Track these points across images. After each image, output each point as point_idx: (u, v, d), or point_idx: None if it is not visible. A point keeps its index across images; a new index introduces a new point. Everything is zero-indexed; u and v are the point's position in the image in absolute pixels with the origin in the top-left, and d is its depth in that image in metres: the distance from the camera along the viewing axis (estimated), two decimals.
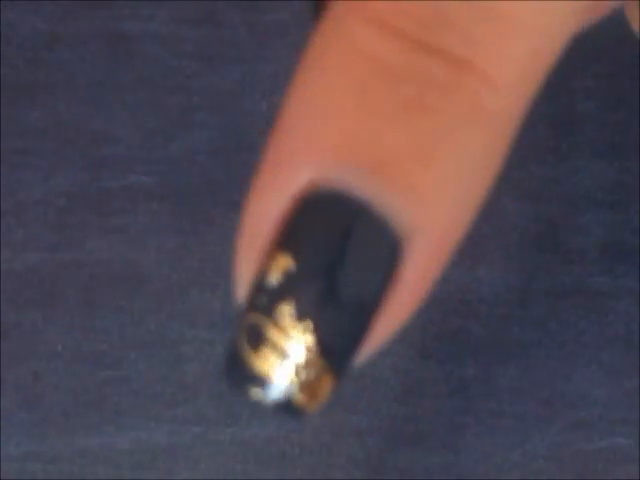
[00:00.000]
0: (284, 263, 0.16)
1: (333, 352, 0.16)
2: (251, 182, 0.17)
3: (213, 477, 0.28)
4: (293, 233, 0.16)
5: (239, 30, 0.30)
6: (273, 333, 0.16)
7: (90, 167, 0.29)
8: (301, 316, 0.16)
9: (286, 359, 0.16)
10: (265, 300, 0.16)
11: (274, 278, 0.16)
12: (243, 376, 0.16)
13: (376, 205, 0.16)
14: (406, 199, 0.16)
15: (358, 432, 0.28)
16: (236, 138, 0.29)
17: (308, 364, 0.16)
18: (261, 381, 0.16)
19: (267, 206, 0.16)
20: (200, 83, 0.29)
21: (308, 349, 0.16)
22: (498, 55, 0.16)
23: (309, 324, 0.16)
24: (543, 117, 0.30)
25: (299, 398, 0.16)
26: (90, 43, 0.30)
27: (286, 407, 0.16)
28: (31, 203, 0.29)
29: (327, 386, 0.17)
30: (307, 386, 0.16)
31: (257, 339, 0.16)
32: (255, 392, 0.16)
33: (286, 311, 0.16)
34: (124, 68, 0.30)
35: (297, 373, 0.16)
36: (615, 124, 0.29)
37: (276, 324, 0.16)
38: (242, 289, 0.17)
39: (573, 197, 0.29)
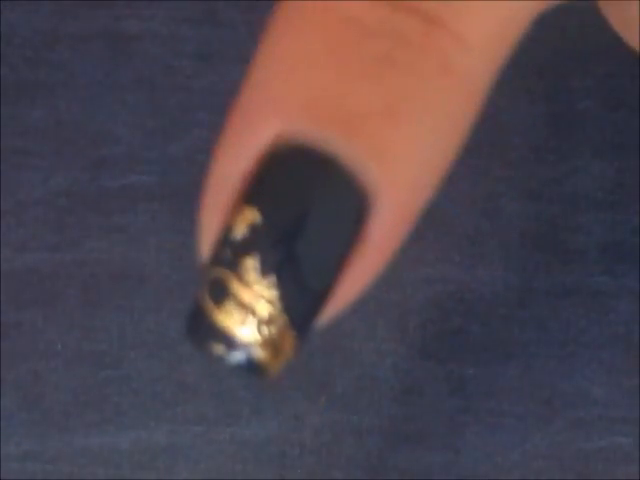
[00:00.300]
0: (250, 216, 0.16)
1: (296, 309, 0.16)
2: (218, 137, 0.17)
3: (213, 477, 0.28)
4: (259, 187, 0.16)
5: (239, 30, 0.30)
6: (237, 288, 0.16)
7: (90, 167, 0.29)
8: (265, 271, 0.16)
9: (249, 314, 0.16)
10: (230, 254, 0.16)
11: (239, 232, 0.16)
12: (206, 332, 0.16)
13: (342, 161, 0.16)
14: (372, 156, 0.16)
15: (358, 432, 0.28)
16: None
17: (271, 320, 0.16)
18: (224, 337, 0.16)
19: (233, 161, 0.16)
20: (200, 83, 0.29)
21: (271, 304, 0.16)
22: (470, 16, 0.16)
23: (273, 279, 0.16)
24: (543, 117, 0.30)
25: (261, 355, 0.16)
26: (90, 43, 0.30)
27: (248, 365, 0.16)
28: (31, 203, 0.29)
29: (290, 345, 0.16)
30: (270, 343, 0.16)
31: (220, 294, 0.16)
32: (217, 348, 0.16)
33: (250, 265, 0.16)
34: (124, 68, 0.30)
35: (260, 329, 0.16)
36: (615, 124, 0.29)
37: (240, 278, 0.16)
38: (206, 244, 0.17)
39: (573, 197, 0.29)
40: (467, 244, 0.29)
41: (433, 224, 0.29)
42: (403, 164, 0.16)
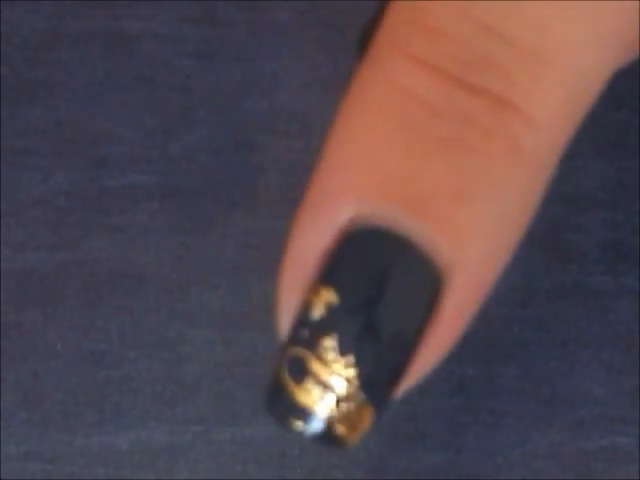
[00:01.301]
0: (327, 297, 0.16)
1: (373, 386, 0.16)
2: (293, 220, 0.17)
3: (213, 477, 0.28)
4: (336, 268, 0.16)
5: (239, 29, 0.30)
6: (316, 366, 0.16)
7: (90, 166, 0.29)
8: (343, 350, 0.16)
9: (328, 392, 0.16)
10: (308, 334, 0.16)
11: (317, 312, 0.16)
12: (286, 408, 0.17)
13: (416, 241, 0.16)
14: (444, 235, 0.16)
15: None
16: (236, 137, 0.29)
17: (349, 397, 0.16)
18: (303, 413, 0.16)
19: (310, 241, 0.17)
20: (200, 82, 0.29)
21: (349, 382, 0.16)
22: (537, 95, 0.16)
23: (351, 358, 0.16)
24: None
25: (339, 429, 0.17)
26: (90, 42, 0.30)
27: (327, 438, 0.17)
28: (31, 203, 0.29)
29: (367, 418, 0.17)
30: (347, 418, 0.17)
31: (300, 372, 0.16)
32: (297, 423, 0.17)
33: (329, 345, 0.16)
34: (124, 67, 0.30)
35: (338, 405, 0.16)
36: (616, 123, 0.29)
37: (319, 357, 0.16)
38: (285, 322, 0.17)
39: (574, 196, 0.29)
40: None
41: None
42: (473, 242, 0.16)
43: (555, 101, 0.16)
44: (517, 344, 0.29)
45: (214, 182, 0.29)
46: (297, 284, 0.17)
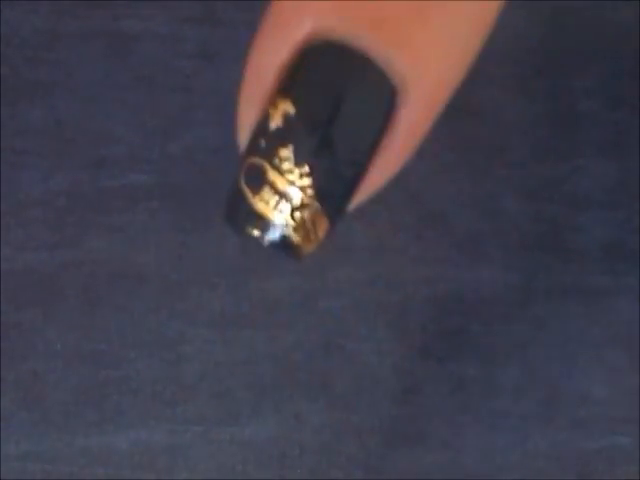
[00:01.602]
0: (284, 108, 0.17)
1: (327, 196, 0.17)
2: (255, 34, 0.17)
3: (213, 477, 0.28)
4: (294, 80, 0.17)
5: (239, 29, 0.30)
6: (272, 175, 0.17)
7: (90, 166, 0.29)
8: (298, 161, 0.17)
9: (283, 200, 0.17)
10: (265, 144, 0.17)
11: (274, 123, 0.17)
12: (243, 215, 0.17)
13: (374, 56, 0.17)
14: (402, 52, 0.17)
15: (358, 432, 0.28)
16: (236, 137, 0.29)
17: (303, 206, 0.17)
18: (260, 221, 0.17)
19: (270, 55, 0.17)
20: (200, 82, 0.29)
21: (304, 192, 0.17)
22: None
23: (305, 168, 0.17)
24: (544, 117, 0.30)
25: (294, 238, 0.17)
26: (90, 42, 0.30)
27: (283, 246, 0.17)
28: (31, 203, 0.29)
29: (321, 228, 0.17)
30: (302, 226, 0.17)
31: (257, 181, 0.17)
32: (254, 231, 0.17)
33: (284, 155, 0.17)
34: (124, 67, 0.30)
35: (293, 214, 0.17)
36: (616, 123, 0.29)
37: (275, 167, 0.17)
38: (244, 133, 0.18)
39: (574, 196, 0.29)
40: (467, 244, 0.29)
41: (433, 224, 0.29)
42: (429, 62, 0.17)
43: None
44: (517, 343, 0.29)
45: (214, 181, 0.29)
46: (256, 97, 0.18)
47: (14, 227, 0.29)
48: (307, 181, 0.17)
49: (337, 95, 0.17)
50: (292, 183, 0.17)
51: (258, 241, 0.17)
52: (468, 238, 0.29)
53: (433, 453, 0.28)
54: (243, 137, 0.18)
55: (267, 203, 0.17)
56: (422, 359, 0.29)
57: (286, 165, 0.17)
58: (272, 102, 0.17)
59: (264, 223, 0.17)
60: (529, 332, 0.29)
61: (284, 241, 0.17)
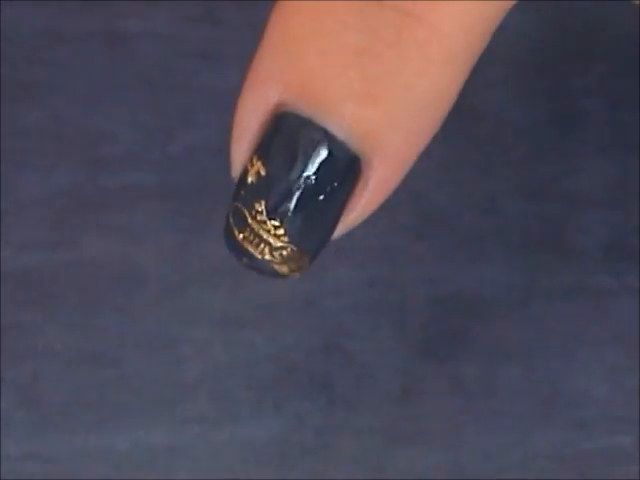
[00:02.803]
0: (257, 167, 0.19)
1: (301, 242, 0.19)
2: (241, 88, 0.19)
3: (213, 477, 0.28)
4: (266, 142, 0.19)
5: (239, 29, 0.30)
6: (251, 222, 0.19)
7: (89, 166, 0.29)
8: (270, 215, 0.18)
9: (263, 243, 0.19)
10: (244, 194, 0.19)
11: (250, 178, 0.19)
12: (233, 247, 0.19)
13: (332, 133, 0.18)
14: (357, 132, 0.18)
15: (358, 432, 0.28)
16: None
17: (282, 247, 0.19)
18: (247, 254, 0.19)
19: (251, 111, 0.19)
20: (200, 82, 0.29)
21: (279, 239, 0.19)
22: (442, 7, 0.18)
23: (277, 222, 0.18)
24: (544, 116, 0.30)
25: (280, 269, 0.19)
26: (90, 42, 0.30)
27: (270, 274, 0.19)
28: (31, 203, 0.29)
29: (304, 261, 0.19)
30: (285, 261, 0.19)
31: (240, 222, 0.19)
32: (244, 260, 0.19)
33: (259, 208, 0.18)
34: (124, 67, 0.30)
35: (273, 254, 0.19)
36: (617, 123, 0.29)
37: (253, 216, 0.19)
38: (234, 170, 0.19)
39: (574, 196, 0.29)
40: (468, 244, 0.29)
41: (433, 224, 0.29)
42: (386, 136, 0.18)
43: (463, 13, 0.18)
44: (518, 343, 0.29)
45: (213, 181, 0.29)
46: (241, 143, 0.19)
47: (14, 227, 0.29)
48: (281, 231, 0.18)
49: (304, 160, 0.18)
50: (268, 231, 0.19)
51: (250, 269, 0.19)
52: (468, 238, 0.29)
53: (433, 453, 0.28)
54: (234, 174, 0.19)
55: (250, 242, 0.19)
56: (422, 359, 0.29)
57: (261, 217, 0.18)
58: (249, 158, 0.19)
59: (250, 257, 0.19)
60: (529, 332, 0.29)
61: (271, 272, 0.19)
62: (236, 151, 0.19)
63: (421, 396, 0.28)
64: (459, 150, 0.29)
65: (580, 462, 0.28)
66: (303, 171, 0.18)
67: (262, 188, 0.18)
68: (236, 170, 0.19)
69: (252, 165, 0.19)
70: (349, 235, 0.26)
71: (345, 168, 0.18)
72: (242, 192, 0.19)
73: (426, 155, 0.19)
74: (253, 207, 0.19)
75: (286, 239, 0.19)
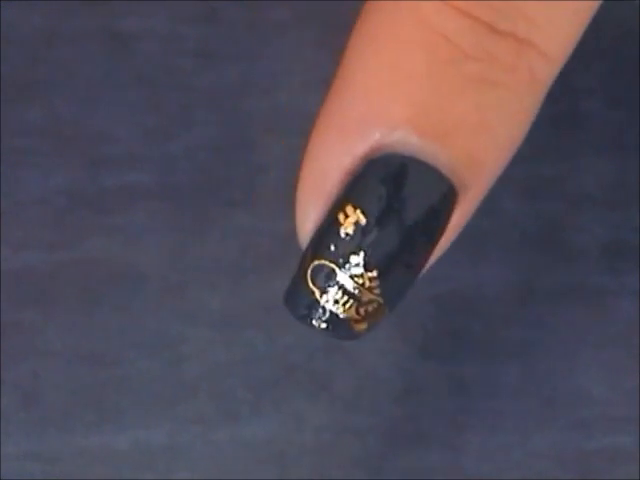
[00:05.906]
0: (356, 218, 0.18)
1: (391, 291, 0.18)
2: (311, 139, 0.18)
3: (213, 477, 0.28)
4: (362, 190, 0.18)
5: (239, 28, 0.30)
6: (342, 278, 0.18)
7: (89, 166, 0.29)
8: (369, 267, 0.18)
9: (352, 299, 0.18)
10: (335, 249, 0.18)
11: (345, 230, 0.18)
12: (308, 309, 0.18)
13: (439, 168, 0.18)
14: (466, 164, 0.18)
15: (358, 432, 0.28)
16: (236, 136, 0.29)
17: (370, 302, 0.18)
18: (326, 315, 0.18)
19: (332, 161, 0.18)
20: (200, 81, 0.29)
21: (371, 291, 0.18)
22: (552, 33, 0.18)
23: (375, 272, 0.18)
24: (545, 116, 0.29)
25: (357, 327, 0.18)
26: (89, 41, 0.30)
27: (344, 334, 0.19)
28: (30, 202, 0.29)
29: (381, 314, 0.19)
30: (367, 317, 0.18)
31: (325, 280, 0.18)
32: (319, 323, 0.18)
33: (356, 261, 0.18)
34: (124, 66, 0.30)
35: (358, 309, 0.18)
36: (617, 123, 0.29)
37: (346, 271, 0.18)
38: (304, 231, 0.19)
39: (575, 196, 0.29)
40: (468, 243, 0.29)
41: None
42: (488, 166, 0.18)
43: (564, 35, 0.18)
44: (518, 343, 0.29)
45: (214, 181, 0.29)
46: (317, 199, 0.18)
47: (14, 227, 0.29)
48: (375, 283, 0.18)
49: (404, 204, 0.18)
50: (362, 285, 0.18)
51: (318, 330, 0.19)
52: (468, 237, 0.29)
53: (433, 453, 0.28)
54: (304, 233, 0.19)
55: (336, 302, 0.18)
56: (422, 359, 0.29)
57: (356, 270, 0.18)
58: (341, 209, 0.18)
59: (331, 318, 0.18)
60: (529, 332, 0.29)
61: (346, 331, 0.18)
62: (310, 209, 0.19)
63: (421, 396, 0.28)
64: None
65: (580, 462, 0.28)
66: (406, 212, 0.18)
67: (362, 239, 0.18)
68: (307, 230, 0.19)
69: (346, 216, 0.18)
70: None
71: (445, 201, 0.18)
72: (331, 246, 0.18)
73: None
74: (348, 261, 0.18)
75: (377, 291, 0.18)
